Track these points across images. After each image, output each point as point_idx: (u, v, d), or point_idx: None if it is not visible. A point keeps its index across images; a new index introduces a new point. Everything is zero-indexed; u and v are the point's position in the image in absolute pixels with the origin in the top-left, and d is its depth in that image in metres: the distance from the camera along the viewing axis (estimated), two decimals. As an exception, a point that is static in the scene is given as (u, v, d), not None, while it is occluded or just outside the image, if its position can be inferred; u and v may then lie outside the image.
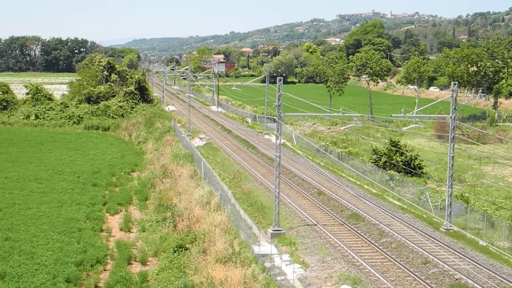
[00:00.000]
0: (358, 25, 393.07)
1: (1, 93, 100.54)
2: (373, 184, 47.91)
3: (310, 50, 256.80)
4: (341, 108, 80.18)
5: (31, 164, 59.15)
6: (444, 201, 38.67)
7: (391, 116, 54.69)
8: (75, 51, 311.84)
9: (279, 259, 30.71)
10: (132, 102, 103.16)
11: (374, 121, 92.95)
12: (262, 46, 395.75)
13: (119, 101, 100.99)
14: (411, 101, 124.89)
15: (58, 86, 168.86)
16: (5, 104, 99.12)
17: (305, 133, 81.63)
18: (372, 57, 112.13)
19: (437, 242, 33.70)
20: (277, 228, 35.65)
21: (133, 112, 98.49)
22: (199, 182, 45.93)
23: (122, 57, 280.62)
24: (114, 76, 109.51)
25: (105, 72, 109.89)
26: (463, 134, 74.35)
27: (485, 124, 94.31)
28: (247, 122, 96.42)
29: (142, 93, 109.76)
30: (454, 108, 36.93)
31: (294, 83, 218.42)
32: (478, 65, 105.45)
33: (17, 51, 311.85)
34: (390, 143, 54.75)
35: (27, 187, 48.53)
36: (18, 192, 46.68)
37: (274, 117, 41.35)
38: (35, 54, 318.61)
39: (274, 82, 49.13)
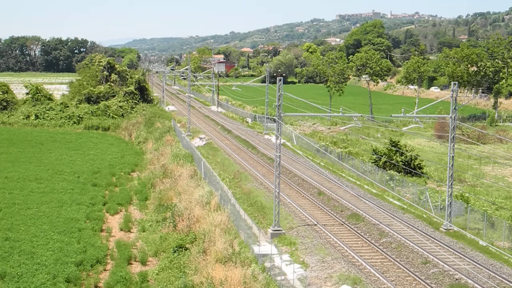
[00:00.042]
0: (358, 25, 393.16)
1: (1, 93, 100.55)
2: (373, 184, 47.91)
3: (310, 50, 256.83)
4: (341, 108, 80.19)
5: (31, 164, 59.15)
6: (444, 201, 38.67)
7: (391, 116, 54.69)
8: (75, 51, 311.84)
9: (279, 259, 30.71)
10: (132, 102, 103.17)
11: (374, 121, 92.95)
12: (262, 46, 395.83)
13: (119, 101, 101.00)
14: (411, 101, 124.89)
15: (58, 86, 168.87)
16: (5, 104, 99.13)
17: (305, 133, 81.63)
18: (372, 57, 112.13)
19: (437, 242, 33.71)
20: (277, 228, 35.65)
21: (133, 112, 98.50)
22: (199, 182, 45.93)
23: (122, 57, 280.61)
24: (114, 76, 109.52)
25: (105, 72, 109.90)
26: (463, 134, 74.35)
27: (485, 124, 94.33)
28: (247, 122, 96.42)
29: (142, 93, 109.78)
30: (454, 108, 36.93)
31: (294, 83, 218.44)
32: (478, 65, 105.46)
33: (17, 51, 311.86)
34: (390, 143, 54.75)
35: (27, 187, 48.53)
36: (18, 192, 46.68)
37: (274, 117, 41.35)
38: (35, 54, 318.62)
39: (274, 82, 49.13)
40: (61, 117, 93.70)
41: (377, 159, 53.75)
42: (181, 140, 68.55)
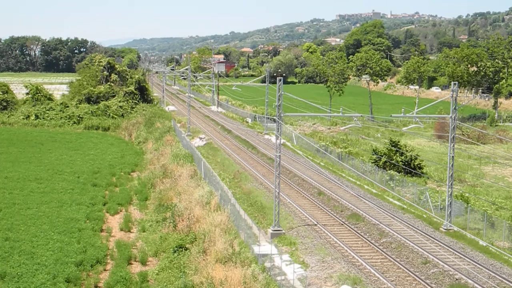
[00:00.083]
0: (358, 25, 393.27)
1: (1, 93, 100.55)
2: (373, 184, 47.91)
3: (310, 50, 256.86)
4: (341, 108, 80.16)
5: (31, 164, 59.15)
6: (444, 201, 38.67)
7: (391, 116, 54.69)
8: (75, 51, 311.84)
9: (279, 259, 30.71)
10: (132, 102, 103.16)
11: (374, 121, 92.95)
12: (262, 46, 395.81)
13: (119, 101, 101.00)
14: (411, 101, 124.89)
15: (58, 86, 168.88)
16: (5, 104, 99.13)
17: (305, 133, 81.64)
18: (372, 57, 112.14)
19: (437, 242, 33.70)
20: (277, 228, 35.65)
21: (133, 112, 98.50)
22: (199, 182, 45.93)
23: (122, 57, 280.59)
24: (114, 76, 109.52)
25: (105, 72, 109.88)
26: (463, 134, 74.35)
27: (485, 124, 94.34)
28: (247, 122, 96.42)
29: (142, 93, 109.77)
30: (454, 108, 36.93)
31: (294, 83, 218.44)
32: (478, 65, 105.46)
33: (17, 51, 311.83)
34: (390, 143, 54.74)
35: (27, 187, 48.53)
36: (18, 192, 46.68)
37: (274, 117, 41.35)
38: (35, 54, 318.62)
39: (274, 82, 49.12)
40: (61, 117, 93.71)
41: (377, 159, 53.75)
42: (181, 140, 68.55)
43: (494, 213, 39.17)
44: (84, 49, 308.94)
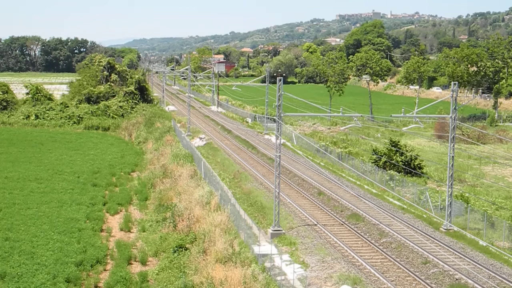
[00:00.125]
0: (358, 25, 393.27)
1: (1, 93, 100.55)
2: (373, 184, 47.91)
3: (310, 50, 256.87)
4: (341, 108, 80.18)
5: (31, 164, 59.15)
6: (444, 201, 38.67)
7: (391, 116, 54.71)
8: (75, 51, 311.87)
9: (279, 259, 30.71)
10: (132, 102, 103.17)
11: (374, 121, 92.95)
12: (262, 46, 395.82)
13: (119, 101, 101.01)
14: (411, 101, 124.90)
15: (58, 86, 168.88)
16: (5, 104, 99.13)
17: (305, 133, 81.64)
18: (372, 57, 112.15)
19: (437, 242, 33.70)
20: (277, 228, 35.65)
21: (133, 112, 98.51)
22: (199, 182, 45.93)
23: (122, 57, 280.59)
24: (114, 76, 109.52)
25: (105, 72, 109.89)
26: (463, 134, 74.35)
27: (485, 124, 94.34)
28: (247, 122, 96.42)
29: (142, 93, 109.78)
30: (454, 108, 36.93)
31: (294, 83, 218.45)
32: (478, 65, 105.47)
33: (17, 51, 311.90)
34: (390, 143, 54.75)
35: (27, 187, 48.53)
36: (18, 192, 46.68)
37: (274, 117, 41.35)
38: (35, 54, 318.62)
39: (274, 82, 49.13)
40: (61, 117, 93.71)
41: (377, 159, 53.75)
42: (181, 140, 68.55)
43: (494, 213, 39.17)
44: (84, 49, 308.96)
